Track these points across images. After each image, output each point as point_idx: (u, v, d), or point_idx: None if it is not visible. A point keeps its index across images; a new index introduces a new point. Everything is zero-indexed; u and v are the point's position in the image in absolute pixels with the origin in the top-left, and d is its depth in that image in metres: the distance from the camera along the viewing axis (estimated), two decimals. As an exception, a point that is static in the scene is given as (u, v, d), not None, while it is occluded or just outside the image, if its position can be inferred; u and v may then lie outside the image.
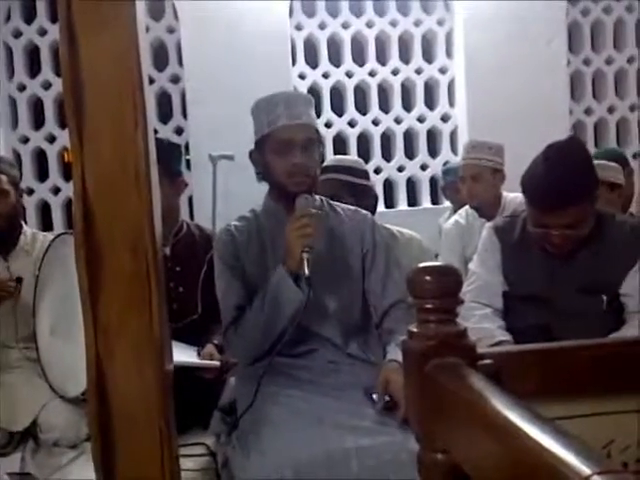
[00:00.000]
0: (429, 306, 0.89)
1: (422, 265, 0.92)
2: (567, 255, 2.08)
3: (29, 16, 4.33)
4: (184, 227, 2.59)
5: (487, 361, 0.88)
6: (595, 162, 2.20)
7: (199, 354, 2.35)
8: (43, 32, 4.31)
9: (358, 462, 1.59)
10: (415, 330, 0.91)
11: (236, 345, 2.00)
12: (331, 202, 2.16)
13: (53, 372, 2.36)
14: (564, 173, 1.95)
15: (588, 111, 4.81)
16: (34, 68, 4.40)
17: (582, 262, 2.07)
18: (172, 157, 2.53)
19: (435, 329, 0.89)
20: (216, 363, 2.24)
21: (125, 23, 1.20)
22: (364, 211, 2.18)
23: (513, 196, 3.12)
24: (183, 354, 2.24)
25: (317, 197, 2.12)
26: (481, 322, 2.07)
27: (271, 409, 1.77)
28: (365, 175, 2.83)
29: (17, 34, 4.32)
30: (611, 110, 4.84)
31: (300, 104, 1.98)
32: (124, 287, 1.21)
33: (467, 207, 3.29)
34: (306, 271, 1.78)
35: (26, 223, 2.91)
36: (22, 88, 4.35)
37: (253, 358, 1.96)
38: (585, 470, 0.54)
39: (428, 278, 0.90)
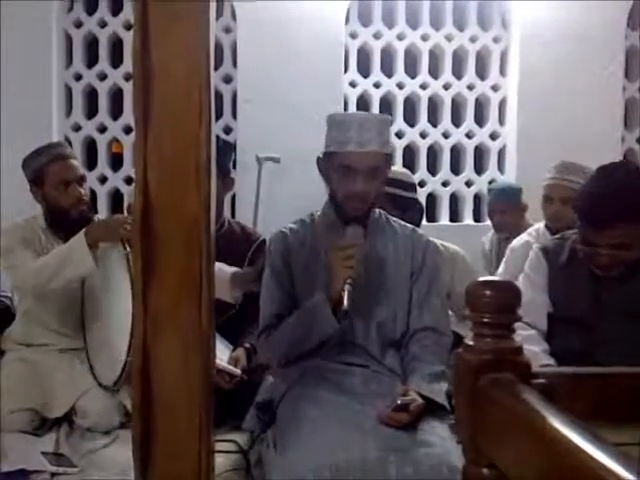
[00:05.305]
0: (486, 320, 0.89)
1: (482, 279, 0.92)
2: (615, 279, 2.06)
3: (91, 8, 4.41)
4: (225, 224, 2.60)
5: (541, 380, 0.87)
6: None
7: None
8: (103, 24, 4.39)
9: (396, 470, 1.58)
10: (471, 343, 0.91)
11: (265, 351, 2.06)
12: (389, 217, 2.16)
13: (96, 360, 2.39)
14: (614, 190, 1.96)
15: (641, 140, 4.74)
16: (91, 59, 4.48)
17: (630, 287, 2.05)
18: (225, 155, 2.55)
19: (491, 344, 0.89)
20: (237, 371, 2.22)
21: (198, 20, 1.22)
22: (421, 232, 2.18)
23: None
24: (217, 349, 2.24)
25: (377, 211, 2.13)
26: (526, 343, 2.04)
27: (311, 410, 1.77)
28: (412, 188, 2.80)
29: (78, 24, 4.40)
30: (664, 140, 4.76)
31: (373, 128, 1.93)
32: (176, 279, 1.22)
33: (538, 227, 3.23)
34: (345, 304, 1.80)
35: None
36: (78, 77, 4.43)
37: (280, 365, 2.01)
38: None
39: (487, 292, 0.90)
